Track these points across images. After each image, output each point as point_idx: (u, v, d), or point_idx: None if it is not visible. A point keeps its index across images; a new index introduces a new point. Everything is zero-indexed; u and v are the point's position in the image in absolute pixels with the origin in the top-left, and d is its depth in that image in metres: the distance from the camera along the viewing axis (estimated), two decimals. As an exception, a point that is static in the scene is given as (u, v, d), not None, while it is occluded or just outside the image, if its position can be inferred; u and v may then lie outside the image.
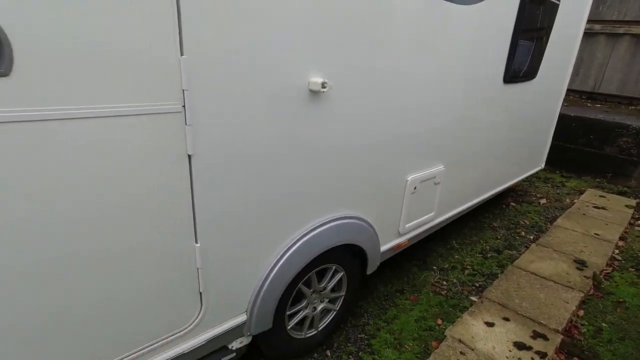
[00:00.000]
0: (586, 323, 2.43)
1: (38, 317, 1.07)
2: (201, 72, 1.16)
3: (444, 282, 2.85)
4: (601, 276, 2.92)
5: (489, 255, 3.26)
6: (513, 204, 4.34)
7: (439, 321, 2.43)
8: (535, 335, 2.27)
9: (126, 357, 1.30)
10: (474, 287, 2.81)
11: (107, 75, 0.99)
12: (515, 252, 3.31)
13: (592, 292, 2.75)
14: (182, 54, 1.10)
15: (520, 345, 2.18)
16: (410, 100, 2.02)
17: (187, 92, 1.15)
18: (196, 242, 1.34)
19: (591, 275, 2.87)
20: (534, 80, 3.27)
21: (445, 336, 2.26)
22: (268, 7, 1.25)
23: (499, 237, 3.58)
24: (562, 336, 2.27)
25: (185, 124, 1.18)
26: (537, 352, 2.14)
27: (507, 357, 2.10)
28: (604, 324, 2.43)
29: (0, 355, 1.03)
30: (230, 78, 1.24)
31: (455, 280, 2.88)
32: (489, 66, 2.59)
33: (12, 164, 0.91)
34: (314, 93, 1.51)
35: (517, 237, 3.58)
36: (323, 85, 1.47)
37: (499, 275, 2.91)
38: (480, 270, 3.03)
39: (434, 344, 2.23)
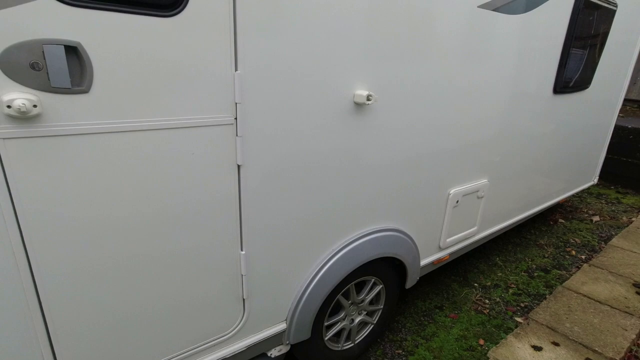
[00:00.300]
0: (648, 354, 2.23)
1: (109, 312, 1.14)
2: (253, 86, 1.21)
3: (487, 301, 2.72)
4: (665, 303, 2.67)
5: (535, 274, 3.08)
6: (562, 220, 4.09)
7: (481, 341, 2.33)
8: (590, 363, 2.11)
9: (175, 356, 1.35)
10: (519, 308, 2.66)
11: (169, 90, 1.06)
12: (565, 272, 3.11)
13: (654, 320, 2.52)
14: (236, 69, 1.16)
15: (572, 374, 2.04)
16: (455, 113, 1.98)
17: (240, 105, 1.20)
18: (241, 250, 1.38)
19: (653, 302, 2.63)
20: (587, 90, 3.09)
21: (488, 358, 2.15)
22: (317, 24, 1.29)
23: (546, 255, 3.38)
24: (620, 367, 2.09)
25: (237, 135, 1.22)
26: (592, 383, 1.98)
27: (557, 386, 1.96)
28: (669, 357, 2.21)
29: (79, 348, 1.11)
30: (279, 91, 1.28)
31: (498, 299, 2.74)
32: (538, 76, 2.48)
33: (86, 172, 0.99)
34: (358, 106, 1.52)
35: (567, 257, 3.36)
36: (368, 97, 1.48)
37: (547, 296, 2.74)
38: (526, 289, 2.87)
39: (476, 365, 2.14)
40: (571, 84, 2.84)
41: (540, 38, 2.34)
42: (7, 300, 0.98)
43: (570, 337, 2.30)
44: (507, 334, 2.35)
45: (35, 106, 0.87)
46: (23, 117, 0.87)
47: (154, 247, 1.18)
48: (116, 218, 1.08)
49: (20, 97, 0.85)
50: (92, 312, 1.12)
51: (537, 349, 2.21)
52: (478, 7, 1.82)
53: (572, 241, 3.65)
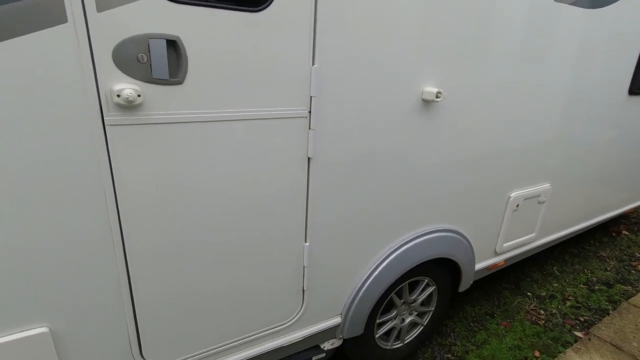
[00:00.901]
0: None
1: (183, 293, 1.22)
2: (327, 80, 1.22)
3: (542, 312, 2.59)
4: None
5: (596, 287, 2.89)
6: (626, 232, 3.79)
7: (537, 353, 2.22)
8: (662, 387, 1.95)
9: (238, 340, 1.41)
10: (577, 322, 2.51)
11: (251, 83, 1.10)
12: (630, 287, 2.88)
13: None
14: (313, 64, 1.18)
15: (641, 396, 1.89)
16: (520, 113, 1.89)
17: (314, 99, 1.22)
18: (305, 242, 1.41)
19: None
20: (665, 92, 2.83)
21: (545, 371, 2.05)
22: (391, 22, 1.28)
23: (608, 268, 3.15)
24: (698, 394, 1.92)
25: (309, 128, 1.25)
26: (665, 408, 1.83)
27: (624, 407, 1.83)
28: None
29: (158, 320, 1.20)
30: (351, 87, 1.29)
31: (554, 311, 2.60)
32: (612, 75, 2.32)
33: (176, 157, 1.06)
34: (426, 103, 1.49)
35: (633, 271, 3.12)
36: (437, 95, 1.45)
37: (611, 311, 2.56)
38: (586, 303, 2.70)
39: (531, 377, 2.04)
40: (648, 84, 2.62)
41: (619, 34, 2.18)
42: (101, 272, 1.06)
43: (638, 358, 2.13)
44: (565, 348, 2.23)
45: (139, 96, 0.93)
46: (129, 106, 0.94)
47: (229, 234, 1.23)
48: (199, 204, 1.14)
49: (128, 87, 0.92)
50: (170, 290, 1.20)
51: (601, 366, 2.07)
52: (555, 0, 1.72)
53: (638, 255, 3.38)
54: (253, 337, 1.45)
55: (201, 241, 1.19)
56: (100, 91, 0.91)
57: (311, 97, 1.22)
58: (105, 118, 0.93)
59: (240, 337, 1.42)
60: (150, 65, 0.94)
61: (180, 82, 1.00)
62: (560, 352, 2.19)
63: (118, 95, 0.91)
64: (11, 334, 0.99)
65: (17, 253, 0.93)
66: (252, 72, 1.09)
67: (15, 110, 0.84)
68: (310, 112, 1.23)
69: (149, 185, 1.04)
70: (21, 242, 0.93)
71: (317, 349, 1.74)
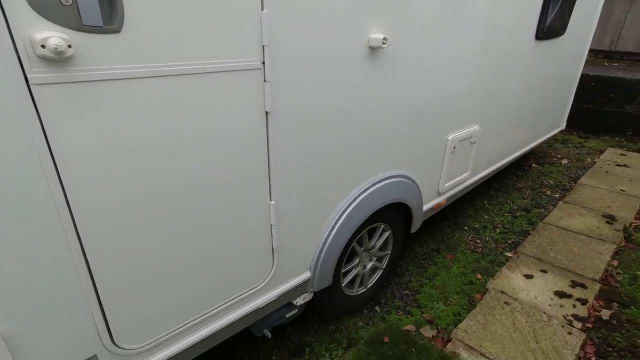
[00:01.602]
0: (621, 272, 2.51)
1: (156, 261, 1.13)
2: (280, 27, 1.16)
3: (478, 241, 2.92)
4: (631, 229, 2.98)
5: (517, 214, 3.32)
6: (535, 165, 4.36)
7: (479, 276, 2.52)
8: (574, 284, 2.35)
9: (213, 309, 1.37)
10: (507, 244, 2.88)
11: (198, 33, 1.00)
12: (543, 210, 3.37)
13: (623, 243, 2.82)
14: (262, 9, 1.10)
15: (560, 294, 2.27)
16: (453, 61, 2.01)
17: (267, 48, 1.15)
18: (270, 200, 1.38)
19: (621, 228, 2.93)
20: (563, 37, 3.21)
21: (487, 289, 2.34)
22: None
23: (525, 197, 3.63)
24: (599, 284, 2.35)
25: (264, 80, 1.19)
26: (578, 299, 2.22)
27: (549, 305, 2.19)
28: (639, 272, 2.50)
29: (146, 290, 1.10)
30: (303, 34, 1.24)
31: (488, 239, 2.95)
32: (522, 21, 2.54)
33: (117, 118, 0.94)
34: (373, 50, 1.50)
35: (544, 197, 3.63)
36: (383, 41, 1.46)
37: (531, 232, 2.98)
38: (511, 228, 3.10)
39: (477, 296, 2.32)
40: (551, 30, 2.94)
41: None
42: (52, 258, 0.94)
43: (556, 265, 2.54)
44: (500, 268, 2.56)
45: (69, 46, 0.79)
46: (58, 59, 0.79)
47: (189, 198, 1.15)
48: (153, 168, 1.04)
49: (54, 34, 0.77)
50: (132, 265, 1.10)
51: (529, 277, 2.42)
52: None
53: (546, 183, 3.93)
54: (228, 303, 1.42)
55: (160, 208, 1.09)
56: (16, 42, 0.75)
57: (263, 46, 1.14)
58: (28, 76, 0.78)
59: (215, 306, 1.38)
60: (78, 8, 0.79)
61: (117, 31, 0.86)
62: (497, 272, 2.51)
63: (42, 46, 0.76)
64: (-50, 344, 0.84)
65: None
66: (200, 19, 0.99)
67: None
68: (264, 63, 1.17)
69: (93, 153, 0.92)
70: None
71: (290, 305, 1.77)
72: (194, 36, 0.99)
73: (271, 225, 1.43)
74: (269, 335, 1.72)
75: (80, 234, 0.96)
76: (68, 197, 0.91)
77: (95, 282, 1.03)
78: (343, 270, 1.97)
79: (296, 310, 1.81)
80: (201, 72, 1.03)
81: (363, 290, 2.19)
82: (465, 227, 3.11)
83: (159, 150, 1.03)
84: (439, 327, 2.11)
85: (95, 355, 1.11)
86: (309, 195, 1.53)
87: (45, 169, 0.86)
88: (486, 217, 3.28)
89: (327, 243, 1.69)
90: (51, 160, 0.86)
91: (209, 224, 1.23)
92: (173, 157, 1.07)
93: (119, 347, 1.14)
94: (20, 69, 0.77)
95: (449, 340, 2.00)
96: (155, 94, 0.97)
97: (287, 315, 1.77)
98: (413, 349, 1.95)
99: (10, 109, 0.78)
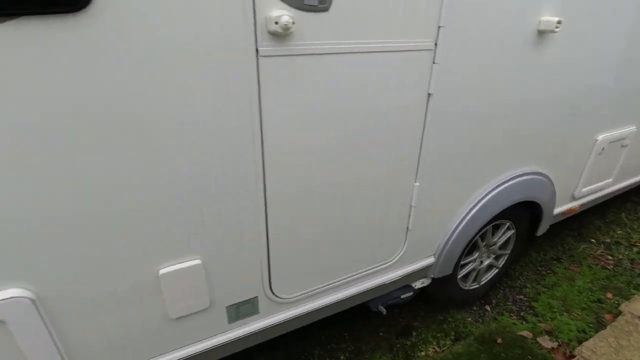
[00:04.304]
0: None
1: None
2: (459, 7, 1.15)
3: (609, 257, 2.59)
4: None
5: (662, 234, 2.85)
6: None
7: (609, 295, 2.25)
8: None
9: (350, 276, 1.47)
10: (647, 266, 2.51)
11: (386, 13, 1.04)
12: (698, 234, 2.84)
13: None
14: (446, -11, 1.11)
15: None
16: (620, 48, 1.77)
17: (442, 30, 1.16)
18: (415, 182, 1.41)
19: None
20: None
21: (620, 311, 2.09)
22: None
23: (673, 216, 3.09)
24: None
25: (433, 62, 1.20)
26: None
27: None
28: None
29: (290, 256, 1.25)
30: (477, 16, 1.21)
31: (622, 257, 2.60)
32: None
33: (315, 90, 1.04)
34: (540, 35, 1.40)
35: (699, 218, 3.05)
36: (557, 25, 1.36)
37: (681, 257, 2.55)
38: (653, 249, 2.68)
39: (607, 316, 2.08)
40: None
41: None
42: (244, 210, 1.09)
43: None
44: (637, 291, 2.25)
45: (293, 23, 0.90)
46: (284, 34, 0.91)
47: (352, 173, 1.23)
48: (331, 141, 1.13)
49: (285, 13, 0.88)
50: (298, 228, 1.23)
51: (678, 307, 2.09)
52: None
53: (703, 203, 3.28)
54: (360, 275, 1.50)
55: (328, 178, 1.20)
56: (257, 19, 0.88)
57: (439, 27, 1.15)
58: (259, 48, 0.91)
59: (350, 275, 1.47)
60: (303, -11, 0.89)
61: (326, 9, 0.95)
62: (633, 295, 2.21)
63: (276, 23, 0.88)
64: (175, 264, 1.05)
65: (176, 189, 0.96)
66: (391, 2, 1.03)
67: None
68: (436, 44, 1.17)
69: (292, 114, 1.03)
70: (187, 180, 0.95)
71: (408, 287, 1.80)
72: (383, 16, 1.04)
73: (411, 205, 1.46)
74: (384, 311, 1.78)
75: (267, 196, 1.10)
76: (265, 162, 1.04)
77: (269, 239, 1.18)
78: (462, 262, 1.93)
79: (411, 293, 1.83)
80: (384, 51, 1.08)
81: (476, 287, 2.12)
82: (593, 240, 2.78)
83: (339, 125, 1.12)
84: (559, 340, 1.96)
85: (257, 297, 1.28)
86: (449, 181, 1.52)
87: (254, 135, 1.00)
88: (619, 232, 2.88)
89: (456, 232, 1.67)
90: (259, 117, 0.99)
91: (360, 196, 1.31)
92: (349, 131, 1.15)
93: (275, 294, 1.30)
94: (254, 42, 0.90)
95: (572, 356, 1.85)
96: (348, 67, 1.05)
97: (402, 297, 1.81)
98: (530, 357, 1.85)
99: (241, 77, 0.92)
